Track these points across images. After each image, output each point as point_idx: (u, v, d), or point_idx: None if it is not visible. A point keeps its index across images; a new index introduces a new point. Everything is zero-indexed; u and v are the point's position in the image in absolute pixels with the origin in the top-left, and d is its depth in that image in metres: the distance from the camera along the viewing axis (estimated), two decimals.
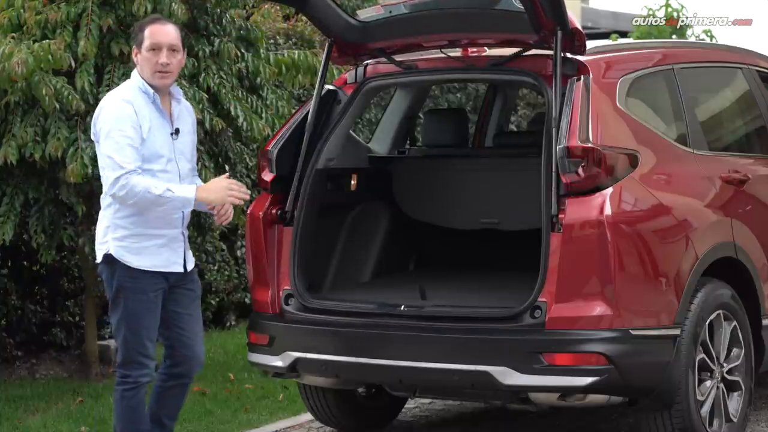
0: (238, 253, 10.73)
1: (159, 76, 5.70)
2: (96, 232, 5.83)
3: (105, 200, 5.75)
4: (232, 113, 8.17)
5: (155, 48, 5.68)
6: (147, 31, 5.71)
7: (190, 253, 5.88)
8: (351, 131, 7.13)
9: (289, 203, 6.56)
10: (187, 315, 5.87)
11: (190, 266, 5.86)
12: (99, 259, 5.78)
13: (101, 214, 5.77)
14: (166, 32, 5.72)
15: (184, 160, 5.82)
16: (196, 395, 8.27)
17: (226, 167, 8.35)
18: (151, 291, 5.70)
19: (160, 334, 5.89)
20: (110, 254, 5.70)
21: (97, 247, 5.80)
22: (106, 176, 5.62)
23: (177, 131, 5.78)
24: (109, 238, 5.71)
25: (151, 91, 5.70)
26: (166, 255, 5.72)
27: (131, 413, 5.76)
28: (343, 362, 6.28)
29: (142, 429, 5.81)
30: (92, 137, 5.81)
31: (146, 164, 5.63)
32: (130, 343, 5.71)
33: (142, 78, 5.73)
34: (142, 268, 5.67)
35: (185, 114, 5.90)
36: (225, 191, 5.64)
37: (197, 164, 8.14)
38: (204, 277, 10.88)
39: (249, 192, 5.71)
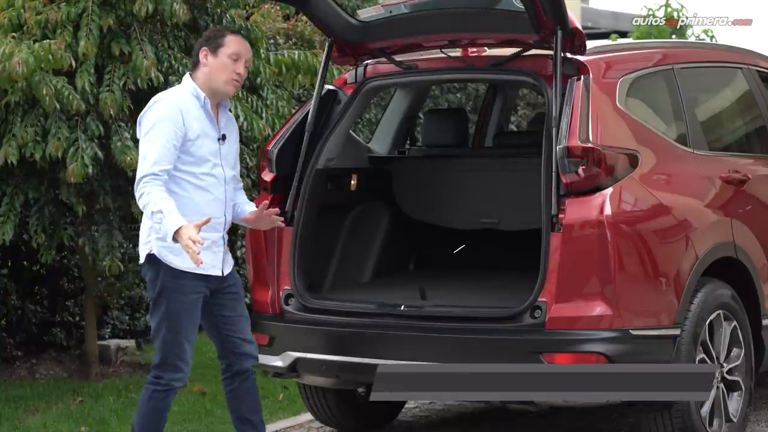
0: (238, 253, 10.73)
1: (233, 84, 5.81)
2: (140, 232, 5.89)
3: None
4: (232, 113, 8.17)
5: (237, 58, 5.79)
6: (229, 39, 5.82)
7: (229, 257, 5.93)
8: (351, 131, 7.13)
9: (289, 203, 6.56)
10: (237, 317, 5.94)
11: (227, 270, 5.90)
12: (142, 259, 5.84)
13: (145, 214, 5.81)
14: (245, 45, 5.88)
15: (228, 166, 5.90)
16: (196, 395, 8.28)
17: None
18: (192, 293, 5.74)
19: (212, 339, 6.01)
20: (153, 254, 5.75)
21: (140, 247, 5.87)
22: (137, 173, 5.72)
23: (224, 137, 5.86)
24: (152, 238, 5.75)
25: (203, 95, 5.78)
26: (207, 258, 5.73)
27: (155, 415, 5.80)
28: (343, 362, 6.28)
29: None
30: (137, 129, 5.90)
31: (192, 167, 5.72)
32: (169, 344, 5.75)
33: (199, 81, 5.80)
34: (184, 269, 5.71)
35: (231, 122, 6.01)
36: (185, 241, 5.46)
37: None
38: None
39: (198, 250, 5.52)
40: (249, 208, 6.04)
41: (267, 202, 6.39)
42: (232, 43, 5.80)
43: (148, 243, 5.79)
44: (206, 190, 5.76)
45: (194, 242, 5.41)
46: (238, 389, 5.97)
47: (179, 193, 5.70)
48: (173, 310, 5.72)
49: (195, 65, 5.84)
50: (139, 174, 5.68)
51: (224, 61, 5.77)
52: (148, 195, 5.61)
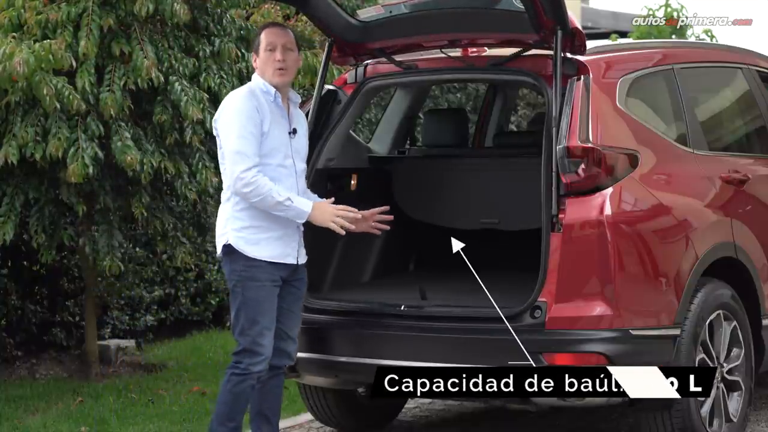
0: None
1: (279, 73, 5.95)
2: (216, 225, 6.03)
3: (225, 194, 5.99)
4: None
5: (272, 48, 5.96)
6: (262, 35, 6.02)
7: (301, 248, 6.09)
8: (351, 131, 7.13)
9: None
10: (288, 311, 6.07)
11: (302, 260, 6.08)
12: (219, 250, 5.99)
13: (221, 207, 5.99)
14: (280, 33, 6.03)
15: (300, 159, 6.07)
16: (195, 395, 8.28)
17: None
18: (267, 281, 5.90)
19: None
20: (229, 244, 5.91)
21: (217, 240, 6.02)
22: (231, 171, 5.84)
23: (294, 131, 6.03)
24: (229, 229, 5.92)
25: (273, 90, 5.96)
26: (281, 248, 5.94)
27: (231, 398, 5.93)
28: (343, 362, 6.29)
29: (234, 417, 5.95)
30: (214, 133, 6.05)
31: (266, 159, 5.88)
32: (247, 331, 5.89)
33: (263, 80, 5.98)
34: (260, 258, 5.88)
35: (301, 117, 6.17)
36: (331, 216, 5.93)
37: (198, 164, 8.21)
38: (204, 277, 10.89)
39: (356, 219, 6.03)
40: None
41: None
42: (264, 37, 6.00)
43: (224, 234, 5.95)
44: (279, 181, 5.90)
45: (338, 215, 5.87)
46: (267, 384, 6.08)
47: None
48: (250, 298, 5.88)
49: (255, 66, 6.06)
50: (235, 171, 5.80)
51: (263, 56, 5.98)
52: (264, 186, 5.79)
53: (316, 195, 6.24)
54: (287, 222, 5.93)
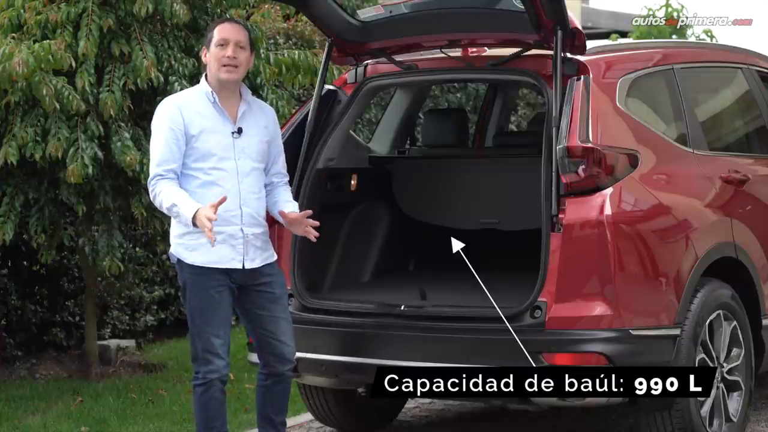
0: None
1: (226, 69, 5.81)
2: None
3: None
4: None
5: (223, 43, 5.82)
6: (215, 29, 5.87)
7: (256, 252, 5.88)
8: (351, 131, 7.13)
9: None
10: (267, 316, 5.94)
11: (251, 264, 5.86)
12: (173, 259, 5.93)
13: (171, 216, 5.86)
14: (234, 29, 5.87)
15: (248, 158, 5.87)
16: None
17: None
18: (211, 288, 5.77)
19: (251, 334, 6.06)
20: (172, 253, 5.86)
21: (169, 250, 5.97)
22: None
23: (239, 130, 5.86)
24: (172, 237, 5.86)
25: (210, 90, 5.84)
26: (224, 252, 5.78)
27: (202, 409, 5.87)
28: (343, 362, 6.29)
29: (214, 426, 5.88)
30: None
31: (200, 162, 5.78)
32: (196, 339, 5.85)
33: (208, 79, 5.88)
34: (198, 264, 5.77)
35: (256, 114, 5.97)
36: (201, 221, 5.56)
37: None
38: None
39: (211, 227, 5.58)
40: (290, 206, 6.01)
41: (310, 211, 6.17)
42: (217, 32, 5.85)
43: (171, 244, 5.88)
44: (216, 184, 5.78)
45: (210, 220, 5.49)
46: (270, 389, 6.05)
47: (189, 189, 5.75)
48: (196, 306, 5.80)
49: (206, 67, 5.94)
50: (149, 176, 5.78)
51: (213, 51, 5.83)
52: (160, 194, 5.69)
53: (295, 204, 6.05)
54: (228, 225, 5.75)
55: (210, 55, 5.85)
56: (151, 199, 5.78)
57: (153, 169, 5.75)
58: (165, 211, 5.75)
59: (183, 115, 5.76)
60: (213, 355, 5.80)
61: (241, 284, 5.86)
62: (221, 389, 5.86)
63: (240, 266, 5.82)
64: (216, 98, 5.84)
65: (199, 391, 5.85)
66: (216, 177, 5.78)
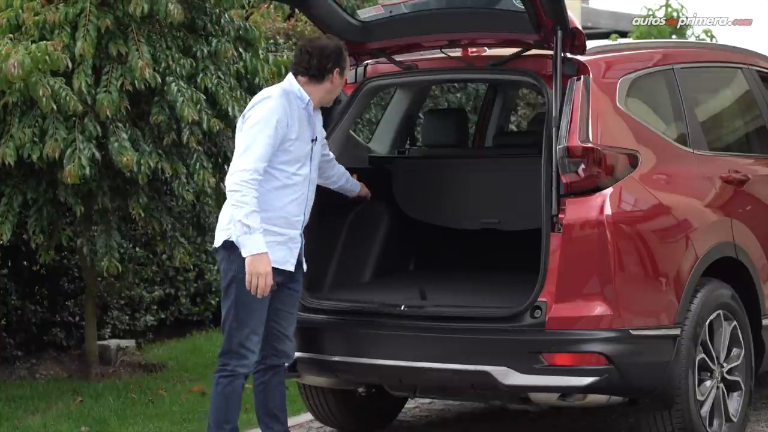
0: None
1: (330, 98, 6.14)
2: (220, 218, 5.98)
3: None
4: (230, 113, 8.17)
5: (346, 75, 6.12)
6: (348, 59, 6.13)
7: (300, 254, 6.06)
8: (351, 131, 7.13)
9: None
10: (286, 312, 6.09)
11: (297, 267, 6.04)
12: (218, 244, 5.92)
13: (227, 202, 5.88)
14: None
15: (315, 167, 6.09)
16: (195, 395, 8.28)
17: (225, 167, 8.34)
18: None
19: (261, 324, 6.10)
20: (232, 241, 5.83)
21: (217, 233, 5.95)
22: (234, 162, 5.81)
23: (315, 139, 6.04)
24: (233, 225, 5.81)
25: (307, 97, 5.96)
26: (283, 253, 5.91)
27: (223, 401, 5.95)
28: (343, 362, 6.29)
29: (230, 419, 5.97)
30: (239, 122, 5.98)
31: (286, 165, 5.88)
32: (235, 332, 5.89)
33: (305, 87, 5.99)
34: None
35: (320, 124, 6.19)
36: (253, 277, 5.70)
37: (196, 165, 8.19)
38: (204, 277, 10.89)
39: (264, 290, 5.79)
40: (352, 182, 6.63)
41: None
42: (348, 62, 6.10)
43: (227, 229, 5.87)
44: (292, 189, 5.91)
45: (265, 285, 5.68)
46: (269, 383, 6.13)
47: (264, 187, 5.81)
48: (242, 300, 5.85)
49: (321, 78, 5.96)
50: (239, 166, 5.75)
51: (338, 81, 6.04)
52: (244, 197, 5.69)
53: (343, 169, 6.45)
54: (292, 228, 5.93)
55: (341, 83, 6.03)
56: (230, 189, 5.72)
57: (252, 162, 5.73)
58: (232, 210, 5.72)
59: (290, 118, 5.88)
60: (248, 350, 5.91)
61: (279, 283, 5.95)
62: (243, 384, 5.98)
63: (292, 269, 5.99)
64: (310, 105, 5.98)
65: (223, 383, 5.94)
66: (294, 182, 5.93)
